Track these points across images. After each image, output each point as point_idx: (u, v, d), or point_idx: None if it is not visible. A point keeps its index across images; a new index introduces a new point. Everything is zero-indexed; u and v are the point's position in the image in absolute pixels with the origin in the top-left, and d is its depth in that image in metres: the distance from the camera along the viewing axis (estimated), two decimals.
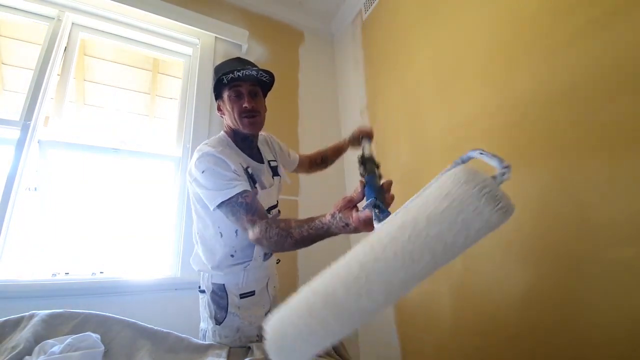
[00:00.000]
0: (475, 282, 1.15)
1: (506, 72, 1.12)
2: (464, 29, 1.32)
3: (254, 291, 0.98)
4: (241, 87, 0.94)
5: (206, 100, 1.79)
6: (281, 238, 0.72)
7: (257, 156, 1.03)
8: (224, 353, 0.84)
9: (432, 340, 1.31)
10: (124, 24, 1.72)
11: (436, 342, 1.29)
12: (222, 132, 1.02)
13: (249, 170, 0.94)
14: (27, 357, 0.66)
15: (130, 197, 1.64)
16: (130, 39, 1.79)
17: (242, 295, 0.97)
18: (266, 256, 1.00)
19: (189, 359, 0.82)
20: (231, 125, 0.97)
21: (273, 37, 2.15)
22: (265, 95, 1.04)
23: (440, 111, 1.40)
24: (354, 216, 0.59)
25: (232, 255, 0.94)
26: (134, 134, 1.94)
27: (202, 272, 1.01)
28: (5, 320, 0.78)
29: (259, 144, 1.08)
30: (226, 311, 0.94)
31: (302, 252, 1.74)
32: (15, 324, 0.78)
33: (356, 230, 0.60)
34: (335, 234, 0.65)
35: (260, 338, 0.94)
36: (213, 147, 0.89)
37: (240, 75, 0.91)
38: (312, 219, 0.69)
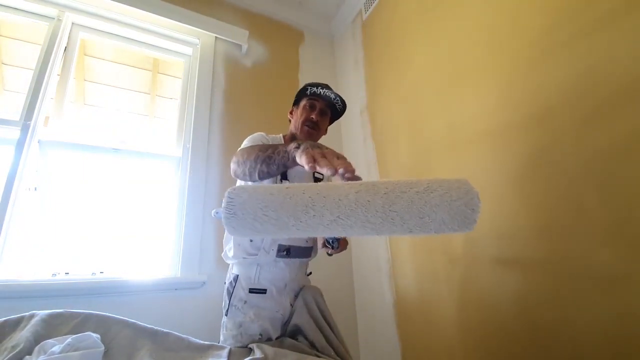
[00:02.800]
0: (474, 284, 1.15)
1: (506, 72, 1.12)
2: (464, 29, 1.32)
3: (265, 290, 0.99)
4: (317, 102, 1.09)
5: (206, 100, 1.79)
6: (251, 150, 0.80)
7: None
8: (225, 353, 0.84)
9: (432, 340, 1.31)
10: (124, 24, 1.73)
11: (436, 342, 1.29)
12: (280, 134, 1.13)
13: None
14: (27, 356, 0.66)
15: (130, 197, 1.64)
16: (130, 39, 1.79)
17: (252, 290, 0.98)
18: (280, 252, 0.99)
19: (189, 358, 0.82)
20: (293, 129, 1.10)
21: (273, 37, 2.16)
22: (331, 122, 1.18)
23: (440, 111, 1.40)
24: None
25: (251, 240, 0.99)
26: (134, 134, 1.94)
27: (229, 264, 1.08)
28: (5, 320, 0.78)
29: None
30: (229, 302, 0.97)
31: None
32: (15, 324, 0.77)
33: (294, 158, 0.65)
34: (284, 156, 0.71)
35: (262, 337, 0.94)
36: (262, 133, 1.05)
37: (321, 93, 1.07)
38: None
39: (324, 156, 0.55)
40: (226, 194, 0.42)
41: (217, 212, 0.66)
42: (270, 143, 1.04)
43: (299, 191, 0.41)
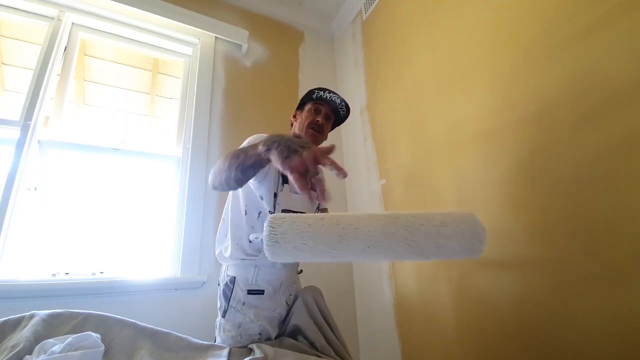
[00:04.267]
0: (473, 284, 1.15)
1: (506, 72, 1.12)
2: (464, 28, 1.32)
3: (263, 291, 0.99)
4: (322, 107, 1.10)
5: (206, 100, 1.79)
6: (225, 158, 0.78)
7: None
8: (225, 353, 0.84)
9: (432, 340, 1.31)
10: (124, 24, 1.73)
11: (436, 341, 1.29)
12: None
13: None
14: (27, 356, 0.66)
15: (130, 197, 1.64)
16: (130, 39, 1.79)
17: (250, 292, 0.98)
18: None
19: (189, 358, 0.82)
20: (296, 132, 1.10)
21: (273, 37, 2.16)
22: (332, 128, 1.18)
23: (440, 111, 1.40)
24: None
25: (250, 241, 0.98)
26: (134, 134, 1.94)
27: (222, 265, 1.07)
28: (6, 320, 0.78)
29: None
30: (228, 304, 0.96)
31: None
32: (15, 324, 0.77)
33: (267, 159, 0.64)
34: (256, 159, 0.69)
35: (261, 337, 0.94)
36: (263, 134, 1.03)
37: (327, 97, 1.09)
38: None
39: (307, 168, 0.54)
40: (267, 223, 0.46)
41: (256, 238, 0.75)
42: None
43: (333, 222, 0.47)
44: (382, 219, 0.47)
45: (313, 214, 0.49)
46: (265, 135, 1.05)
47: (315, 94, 1.09)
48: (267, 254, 0.45)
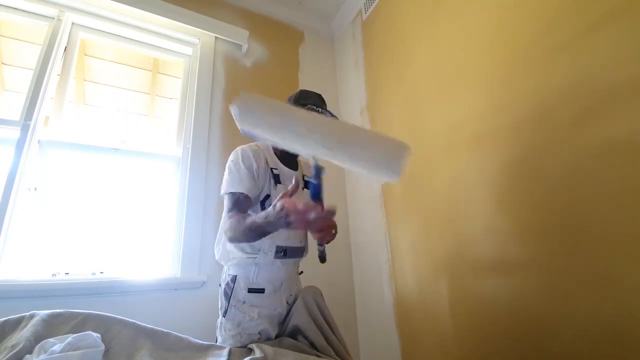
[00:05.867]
0: (472, 284, 1.15)
1: (506, 72, 1.12)
2: (464, 28, 1.32)
3: (263, 289, 1.00)
4: None
5: (206, 100, 1.79)
6: (238, 224, 0.86)
7: (292, 166, 1.13)
8: (225, 353, 0.84)
9: (431, 340, 1.31)
10: (124, 24, 1.73)
11: (436, 341, 1.29)
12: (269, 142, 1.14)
13: (275, 171, 1.05)
14: (27, 355, 0.66)
15: (130, 197, 1.64)
16: (130, 39, 1.79)
17: (251, 290, 0.99)
18: (277, 253, 1.01)
19: (189, 358, 0.82)
20: None
21: (273, 37, 2.16)
22: None
23: (440, 111, 1.40)
24: (288, 200, 0.69)
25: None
26: (134, 134, 1.94)
27: (223, 266, 1.08)
28: (6, 320, 0.78)
29: (304, 165, 1.21)
30: (228, 303, 0.97)
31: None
32: (15, 324, 0.77)
33: (286, 214, 0.68)
34: (273, 224, 0.75)
35: (261, 336, 0.95)
36: (250, 145, 1.06)
37: (319, 112, 1.07)
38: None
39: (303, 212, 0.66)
40: (240, 95, 0.62)
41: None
42: (253, 149, 1.02)
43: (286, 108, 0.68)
44: (329, 120, 0.67)
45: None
46: (248, 151, 1.02)
47: (308, 106, 1.04)
48: (237, 120, 0.61)
